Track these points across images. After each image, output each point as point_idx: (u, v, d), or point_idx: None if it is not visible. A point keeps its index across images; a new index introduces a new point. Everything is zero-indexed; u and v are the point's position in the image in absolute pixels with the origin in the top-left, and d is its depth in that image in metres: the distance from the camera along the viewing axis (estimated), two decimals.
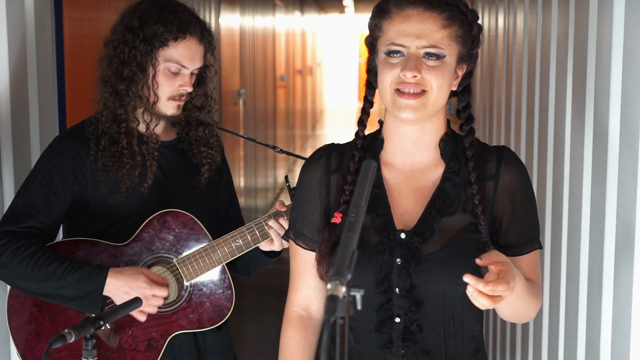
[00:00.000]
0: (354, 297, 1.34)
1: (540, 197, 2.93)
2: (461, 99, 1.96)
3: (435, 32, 1.82)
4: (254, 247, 2.40)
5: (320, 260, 1.91)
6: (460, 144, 1.94)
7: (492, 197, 1.90)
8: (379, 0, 1.91)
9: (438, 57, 1.82)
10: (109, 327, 2.36)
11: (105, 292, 2.29)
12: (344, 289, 1.31)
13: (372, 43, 1.92)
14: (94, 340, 1.74)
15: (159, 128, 2.47)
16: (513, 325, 3.53)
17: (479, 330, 1.96)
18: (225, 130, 2.67)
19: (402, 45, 1.82)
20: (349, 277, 1.33)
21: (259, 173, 8.19)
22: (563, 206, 2.61)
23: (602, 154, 2.23)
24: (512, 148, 3.45)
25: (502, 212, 1.90)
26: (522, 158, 3.28)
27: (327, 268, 1.90)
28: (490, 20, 4.17)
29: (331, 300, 1.28)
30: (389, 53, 1.84)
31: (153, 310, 2.33)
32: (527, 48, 3.23)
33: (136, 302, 1.92)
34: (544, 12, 2.95)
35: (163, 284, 2.33)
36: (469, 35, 1.88)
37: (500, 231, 1.91)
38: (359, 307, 1.35)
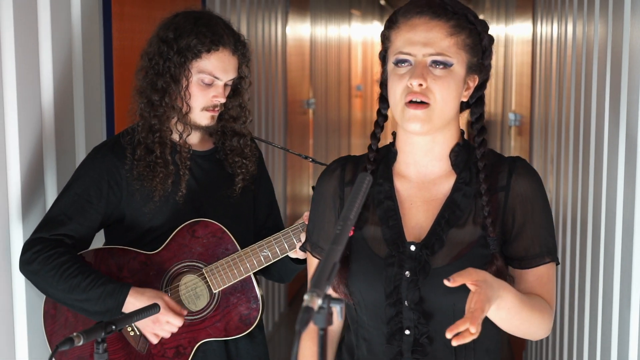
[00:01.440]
0: (337, 307, 1.35)
1: (583, 210, 2.88)
2: (474, 111, 1.94)
3: (442, 40, 1.81)
4: (281, 257, 2.42)
5: None
6: (472, 155, 1.92)
7: (502, 208, 1.87)
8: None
9: (445, 65, 1.81)
10: (138, 332, 2.41)
11: (125, 311, 2.33)
12: (319, 301, 1.31)
13: (383, 56, 1.93)
14: (105, 344, 1.78)
15: (195, 138, 2.52)
16: (553, 343, 3.47)
17: (495, 344, 1.93)
18: (260, 139, 2.70)
19: (409, 54, 1.82)
20: (327, 289, 1.33)
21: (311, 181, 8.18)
22: (601, 220, 2.56)
23: (631, 166, 2.18)
24: (562, 160, 3.39)
25: (511, 223, 1.88)
26: (570, 171, 3.22)
27: (339, 280, 1.91)
28: (547, 30, 4.11)
29: (305, 312, 1.29)
30: (397, 62, 1.84)
31: (166, 335, 2.37)
32: (575, 58, 3.18)
33: (153, 308, 1.96)
34: (588, 21, 2.90)
35: (180, 314, 2.37)
36: (479, 45, 1.86)
37: (508, 242, 1.88)
38: (339, 319, 1.35)
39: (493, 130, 7.95)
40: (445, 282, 1.64)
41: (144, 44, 2.54)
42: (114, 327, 1.81)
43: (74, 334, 1.73)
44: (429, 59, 1.82)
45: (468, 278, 1.65)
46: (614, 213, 2.37)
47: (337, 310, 1.35)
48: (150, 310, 1.96)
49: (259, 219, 2.63)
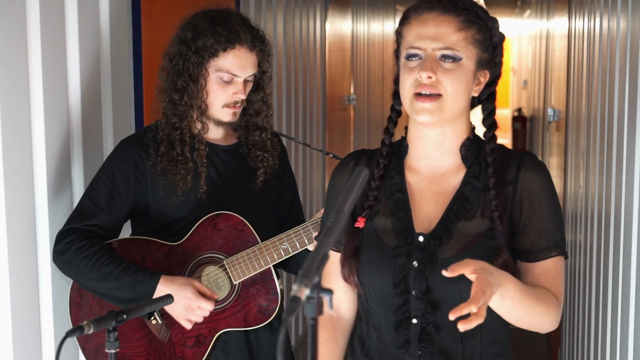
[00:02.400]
0: (327, 297, 1.38)
1: (607, 205, 2.87)
2: (485, 107, 1.96)
3: (451, 35, 1.85)
4: (300, 250, 2.46)
5: (343, 263, 1.97)
6: (482, 150, 1.95)
7: (510, 202, 1.90)
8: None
9: (454, 59, 1.85)
10: (160, 321, 2.47)
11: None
12: (307, 291, 1.35)
13: (397, 52, 1.96)
14: (116, 333, 1.83)
15: (219, 133, 2.57)
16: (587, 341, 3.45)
17: (503, 334, 1.96)
18: (281, 134, 2.75)
19: (419, 48, 1.86)
20: (316, 279, 1.37)
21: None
22: (621, 215, 2.55)
23: None
24: (591, 155, 3.37)
25: (519, 216, 1.90)
26: (597, 167, 3.20)
27: (350, 270, 1.95)
28: (582, 25, 4.08)
29: (292, 302, 1.32)
30: (408, 57, 1.88)
31: (199, 319, 2.42)
32: (601, 54, 3.16)
33: (166, 298, 2.01)
34: (621, 17, 2.88)
35: (211, 297, 2.42)
36: (489, 41, 1.89)
37: (515, 235, 1.90)
38: (329, 309, 1.38)
39: (536, 126, 7.89)
40: (444, 273, 1.68)
41: None
42: (125, 316, 1.85)
43: (85, 322, 1.78)
44: (439, 53, 1.85)
45: (466, 268, 1.68)
46: (631, 209, 2.36)
47: (326, 301, 1.38)
48: (163, 300, 2.01)
49: (281, 212, 2.68)
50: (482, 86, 1.92)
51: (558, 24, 5.32)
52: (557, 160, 5.19)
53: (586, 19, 3.77)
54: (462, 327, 1.65)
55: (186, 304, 2.39)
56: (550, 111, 5.52)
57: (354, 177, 1.60)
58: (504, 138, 12.08)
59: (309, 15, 5.60)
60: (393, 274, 1.90)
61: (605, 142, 2.96)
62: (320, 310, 1.38)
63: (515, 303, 1.78)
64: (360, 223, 1.96)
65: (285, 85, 4.82)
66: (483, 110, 1.97)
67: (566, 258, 1.94)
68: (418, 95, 1.86)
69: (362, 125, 7.72)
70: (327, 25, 6.14)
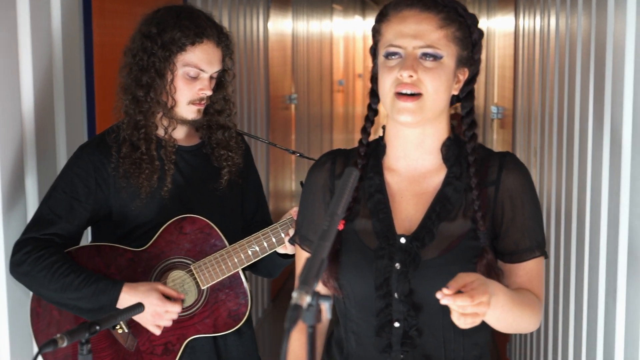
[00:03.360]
0: (326, 304, 1.34)
1: (567, 203, 2.89)
2: (464, 105, 1.94)
3: (432, 32, 1.82)
4: (269, 252, 2.42)
5: None
6: (463, 149, 1.93)
7: (492, 203, 1.88)
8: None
9: (435, 57, 1.82)
10: (126, 330, 2.40)
11: (120, 307, 2.33)
12: (308, 298, 1.31)
13: (374, 50, 1.93)
14: (89, 345, 1.76)
15: (181, 133, 2.51)
16: (537, 336, 3.48)
17: (484, 337, 1.94)
18: (244, 133, 2.69)
19: (399, 46, 1.83)
20: (315, 285, 1.33)
21: (299, 176, 8.20)
22: (585, 213, 2.57)
23: (616, 160, 2.19)
24: (546, 153, 3.40)
25: (501, 217, 1.89)
26: (554, 164, 3.23)
27: (330, 273, 1.91)
28: (530, 23, 4.12)
29: (294, 310, 1.28)
30: (387, 55, 1.85)
31: (168, 323, 2.36)
32: (558, 51, 3.19)
33: (137, 307, 1.94)
34: (571, 15, 2.91)
35: (177, 299, 2.36)
36: (469, 39, 1.87)
37: (498, 237, 1.89)
38: (328, 316, 1.35)
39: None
40: (438, 295, 1.62)
41: (125, 41, 2.52)
42: (97, 327, 1.78)
43: (58, 335, 1.71)
44: (419, 51, 1.82)
45: (461, 282, 1.65)
46: (599, 205, 2.38)
47: (325, 307, 1.34)
48: (134, 309, 1.94)
49: (247, 213, 2.63)
50: (461, 84, 1.90)
51: (501, 23, 5.36)
52: None
53: (538, 17, 3.80)
54: (443, 298, 1.61)
55: (153, 310, 2.33)
56: (493, 108, 5.57)
57: (344, 178, 1.57)
58: None
59: (252, 14, 5.55)
60: (375, 276, 1.86)
61: (565, 139, 2.98)
62: (319, 318, 1.34)
63: (505, 310, 1.76)
64: (339, 225, 1.92)
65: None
66: (462, 108, 1.95)
67: (546, 258, 1.94)
68: (399, 94, 1.83)
69: (303, 124, 7.69)
70: (270, 25, 6.09)
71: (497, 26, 5.73)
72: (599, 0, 2.44)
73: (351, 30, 12.55)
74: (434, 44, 1.82)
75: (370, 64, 1.96)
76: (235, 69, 2.56)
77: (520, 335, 4.17)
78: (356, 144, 1.98)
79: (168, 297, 2.36)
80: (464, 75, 1.90)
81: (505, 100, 5.05)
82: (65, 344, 1.70)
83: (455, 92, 1.90)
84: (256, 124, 5.57)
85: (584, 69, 2.64)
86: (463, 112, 1.95)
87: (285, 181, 6.88)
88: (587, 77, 2.58)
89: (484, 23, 7.03)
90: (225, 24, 4.72)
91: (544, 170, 3.48)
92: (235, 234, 2.50)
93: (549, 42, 3.44)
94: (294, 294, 1.31)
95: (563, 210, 2.96)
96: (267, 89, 5.95)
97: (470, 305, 1.62)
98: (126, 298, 2.32)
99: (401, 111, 1.83)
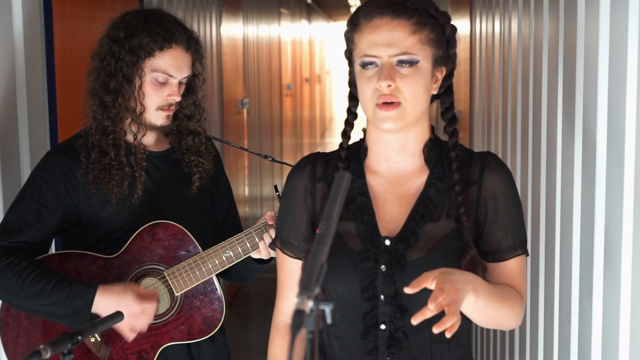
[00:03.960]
0: (323, 310, 1.33)
1: (535, 203, 2.91)
2: (443, 101, 1.96)
3: (406, 39, 1.82)
4: (244, 257, 2.39)
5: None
6: (444, 150, 1.94)
7: (475, 202, 1.90)
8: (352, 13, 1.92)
9: (411, 63, 1.82)
10: (99, 338, 2.35)
11: (95, 310, 2.29)
12: (311, 303, 1.29)
13: (349, 55, 1.93)
14: (72, 356, 1.72)
15: (150, 139, 2.47)
16: (503, 334, 3.51)
17: (467, 337, 1.95)
18: (215, 138, 2.67)
19: (374, 56, 1.83)
20: (316, 290, 1.32)
21: (264, 181, 8.18)
22: (556, 213, 2.59)
23: (590, 160, 2.21)
24: (509, 154, 3.43)
25: (484, 217, 1.90)
26: (518, 164, 3.26)
27: None
28: (488, 26, 4.15)
29: (298, 316, 1.27)
30: (364, 65, 1.85)
31: (143, 327, 2.31)
32: (521, 54, 3.22)
33: (117, 316, 1.90)
34: (536, 18, 2.93)
35: (153, 298, 2.32)
36: (443, 37, 1.87)
37: (482, 236, 1.90)
38: (328, 321, 1.33)
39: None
40: (406, 290, 1.65)
41: (86, 44, 2.49)
42: (80, 337, 1.74)
43: (41, 346, 1.67)
44: (395, 59, 1.82)
45: (425, 281, 1.67)
46: (571, 207, 2.40)
47: (327, 312, 1.33)
48: (114, 318, 1.90)
49: (217, 219, 2.60)
50: (439, 83, 1.91)
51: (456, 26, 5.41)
52: None
53: (497, 20, 3.83)
54: (436, 330, 1.63)
55: (130, 311, 2.28)
56: None
57: (336, 181, 1.56)
58: None
59: (205, 19, 5.52)
60: (360, 278, 1.86)
61: (530, 142, 3.00)
62: (319, 323, 1.33)
63: (485, 301, 1.77)
64: (317, 229, 1.91)
65: None
66: (441, 104, 1.96)
67: (527, 255, 1.95)
68: (379, 105, 1.83)
69: (255, 129, 7.66)
70: (222, 29, 6.06)
71: None
72: (567, 2, 2.47)
73: (298, 34, 12.56)
74: (409, 50, 1.82)
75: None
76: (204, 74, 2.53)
77: (483, 338, 4.20)
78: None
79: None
80: (441, 74, 1.91)
81: (461, 103, 5.09)
82: (48, 355, 1.66)
83: (435, 92, 1.91)
84: (210, 129, 5.54)
85: (552, 71, 2.67)
86: (442, 108, 1.96)
87: (263, 186, 6.82)
88: (555, 79, 2.60)
89: None
90: None
91: None
92: (207, 240, 2.48)
93: (510, 45, 3.47)
94: (296, 300, 1.29)
95: (530, 210, 2.99)
96: (220, 93, 5.93)
97: (443, 297, 1.64)
98: (101, 301, 2.28)
99: (383, 120, 1.84)
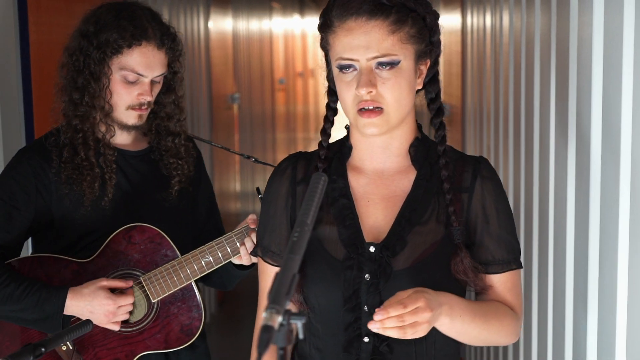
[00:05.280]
0: (299, 323, 1.23)
1: (527, 199, 2.82)
2: (429, 90, 1.84)
3: (384, 40, 1.70)
4: (224, 262, 2.29)
5: None
6: (432, 149, 1.83)
7: (466, 210, 1.79)
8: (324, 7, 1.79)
9: (392, 64, 1.70)
10: (71, 347, 2.25)
11: (69, 313, 2.20)
12: (280, 318, 1.19)
13: (323, 48, 1.81)
14: None
15: (127, 138, 2.37)
16: (496, 347, 3.41)
17: (455, 349, 1.85)
18: (197, 138, 2.56)
19: (351, 59, 1.71)
20: (287, 304, 1.21)
21: (256, 177, 8.09)
22: (549, 210, 2.50)
23: (584, 158, 2.12)
24: (501, 149, 3.34)
25: (474, 226, 1.79)
26: (510, 160, 3.17)
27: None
28: (479, 20, 4.05)
29: (265, 332, 1.16)
30: (341, 68, 1.73)
31: (124, 317, 2.22)
32: (513, 47, 3.12)
33: (86, 325, 1.80)
34: (527, 10, 2.84)
35: (127, 287, 2.22)
36: (425, 29, 1.75)
37: (473, 247, 1.79)
38: (300, 336, 1.23)
39: (420, 119, 7.91)
40: (371, 326, 1.58)
41: (64, 38, 2.38)
42: (43, 349, 1.65)
43: (2, 359, 1.58)
44: (374, 62, 1.70)
45: (394, 301, 1.60)
46: (565, 206, 2.30)
47: (298, 327, 1.23)
48: (82, 327, 1.80)
49: (198, 222, 2.48)
50: (424, 75, 1.79)
51: (447, 20, 5.30)
52: None
53: (488, 15, 3.74)
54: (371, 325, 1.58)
55: (105, 311, 2.18)
56: None
57: (312, 185, 1.46)
58: None
59: (192, 13, 5.42)
60: (343, 288, 1.75)
61: (523, 138, 2.91)
62: (290, 339, 1.22)
63: (466, 321, 1.68)
64: None
65: None
66: (426, 94, 1.84)
67: (521, 268, 1.85)
68: (362, 110, 1.72)
69: (246, 124, 7.56)
70: (210, 24, 5.96)
71: (442, 23, 5.67)
72: None
73: (290, 28, 12.45)
74: (389, 52, 1.70)
75: (320, 61, 1.84)
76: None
77: (476, 348, 4.10)
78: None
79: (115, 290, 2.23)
80: (425, 66, 1.79)
81: (453, 97, 4.99)
82: None
83: (420, 86, 1.79)
84: (199, 125, 5.44)
85: (544, 64, 2.57)
86: (428, 99, 1.84)
87: (256, 182, 6.73)
88: (548, 73, 2.50)
89: None
90: None
91: (499, 169, 3.41)
92: (187, 243, 2.36)
93: (501, 39, 3.37)
94: (264, 314, 1.19)
95: (522, 210, 2.89)
96: (209, 89, 5.83)
97: (405, 313, 1.56)
98: (72, 304, 2.19)
99: (366, 126, 1.73)
